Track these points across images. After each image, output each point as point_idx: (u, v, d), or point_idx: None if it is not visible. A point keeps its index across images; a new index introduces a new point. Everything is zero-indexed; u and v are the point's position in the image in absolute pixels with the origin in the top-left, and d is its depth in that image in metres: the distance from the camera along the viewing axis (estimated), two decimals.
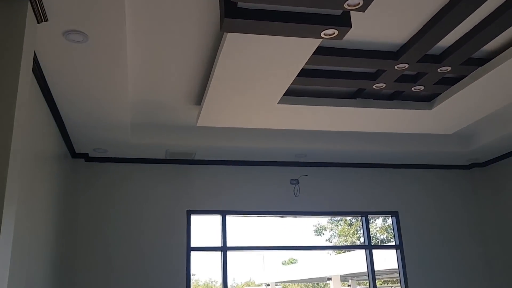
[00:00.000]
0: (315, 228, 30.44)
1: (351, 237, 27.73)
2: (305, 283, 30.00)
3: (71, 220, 5.17)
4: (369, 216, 6.18)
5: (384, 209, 6.18)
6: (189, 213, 5.59)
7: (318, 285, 30.55)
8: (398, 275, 6.00)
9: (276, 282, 23.73)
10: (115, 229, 5.32)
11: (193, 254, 5.48)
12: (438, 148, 5.68)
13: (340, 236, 29.66)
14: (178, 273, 5.31)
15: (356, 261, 12.93)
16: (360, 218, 6.19)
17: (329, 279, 16.00)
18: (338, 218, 30.14)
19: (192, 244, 5.50)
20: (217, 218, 5.76)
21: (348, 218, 30.05)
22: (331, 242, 30.37)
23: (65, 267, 5.01)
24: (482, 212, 6.32)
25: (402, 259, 5.94)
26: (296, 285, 33.73)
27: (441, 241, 6.13)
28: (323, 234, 30.68)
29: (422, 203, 6.27)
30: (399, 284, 5.93)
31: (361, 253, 14.36)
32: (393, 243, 6.14)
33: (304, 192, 5.97)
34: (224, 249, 5.56)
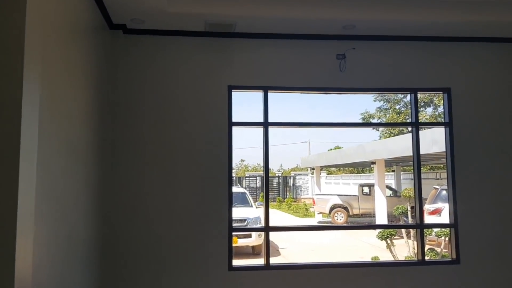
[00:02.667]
0: (363, 116, 30.26)
1: (399, 127, 27.40)
2: (349, 167, 30.77)
3: (109, 94, 5.24)
4: (419, 102, 5.86)
5: (436, 85, 5.82)
6: (230, 88, 5.50)
7: (362, 170, 31.25)
8: (445, 160, 5.83)
9: (321, 167, 24.40)
10: (154, 106, 5.37)
11: (235, 131, 5.51)
12: (502, 16, 5.08)
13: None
14: (221, 148, 5.41)
15: (401, 146, 12.87)
16: (409, 95, 5.87)
17: (373, 163, 16.15)
18: (387, 106, 29.70)
19: (234, 119, 5.50)
20: (259, 95, 5.66)
21: (397, 107, 29.56)
22: (378, 130, 30.32)
23: (106, 141, 5.21)
24: None
25: (450, 138, 5.72)
26: (340, 170, 34.71)
27: (494, 121, 5.80)
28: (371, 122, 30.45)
29: (477, 80, 5.84)
30: (445, 171, 5.78)
31: (408, 137, 14.13)
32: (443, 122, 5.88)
33: (351, 67, 5.67)
34: (266, 124, 5.54)
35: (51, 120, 3.20)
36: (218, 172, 5.37)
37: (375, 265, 5.61)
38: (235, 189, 14.70)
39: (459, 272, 5.55)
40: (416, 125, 5.77)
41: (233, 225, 5.37)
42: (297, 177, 33.22)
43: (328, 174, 33.66)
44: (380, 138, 27.83)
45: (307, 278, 5.41)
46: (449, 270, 5.56)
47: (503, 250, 5.63)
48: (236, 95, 5.60)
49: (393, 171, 22.33)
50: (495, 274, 5.59)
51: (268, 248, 5.45)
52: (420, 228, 5.65)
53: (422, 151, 5.72)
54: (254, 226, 11.77)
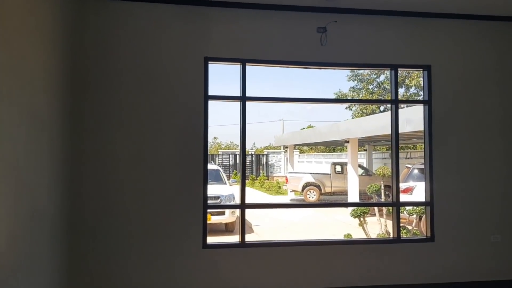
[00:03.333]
0: (336, 95, 30.35)
1: (372, 106, 27.64)
2: (321, 146, 31.00)
3: (78, 61, 4.91)
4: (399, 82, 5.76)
5: (417, 62, 5.73)
6: (207, 60, 5.25)
7: (333, 149, 31.53)
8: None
9: (294, 145, 24.42)
10: (126, 76, 5.07)
11: (211, 104, 5.30)
12: None
13: (360, 105, 29.56)
14: (196, 123, 5.18)
15: (375, 125, 12.90)
16: (389, 71, 5.76)
17: (347, 142, 16.22)
18: (360, 86, 29.85)
19: (210, 93, 5.27)
20: (236, 68, 5.43)
21: (370, 87, 29.74)
22: (351, 110, 30.52)
23: (74, 110, 4.91)
24: None
25: (429, 116, 5.67)
26: (313, 149, 34.95)
27: (473, 100, 5.78)
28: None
29: (458, 58, 5.78)
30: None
31: (381, 117, 14.15)
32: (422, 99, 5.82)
33: (332, 42, 5.50)
34: (243, 98, 5.34)
35: (11, 85, 2.91)
36: (193, 148, 5.17)
37: (350, 243, 5.58)
38: (209, 166, 14.52)
39: (434, 249, 5.58)
40: (396, 103, 5.69)
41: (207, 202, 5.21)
42: (270, 155, 33.28)
43: (301, 153, 33.83)
44: (352, 118, 28.02)
45: (282, 255, 5.33)
46: (424, 247, 5.59)
47: (477, 228, 5.69)
48: (212, 67, 5.37)
49: (365, 150, 22.58)
50: (468, 251, 5.65)
51: (243, 226, 5.32)
52: (397, 206, 5.63)
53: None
54: (228, 203, 11.65)
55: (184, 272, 5.10)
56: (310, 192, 19.61)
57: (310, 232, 12.40)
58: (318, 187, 19.78)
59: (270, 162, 33.05)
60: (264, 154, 34.10)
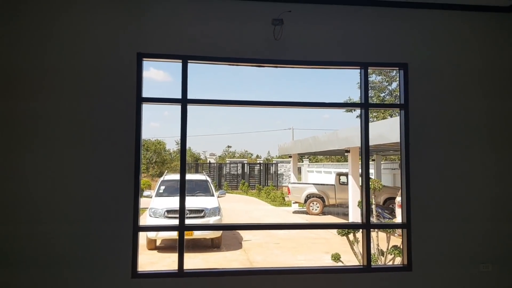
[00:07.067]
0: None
1: (382, 113, 26.50)
2: (323, 155, 29.91)
3: None
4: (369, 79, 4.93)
5: (391, 60, 4.90)
6: (140, 56, 4.53)
7: (342, 159, 30.43)
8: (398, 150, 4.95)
9: (299, 154, 23.48)
10: (51, 74, 4.38)
11: (146, 107, 4.57)
12: None
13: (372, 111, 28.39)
14: (126, 128, 4.44)
15: (376, 133, 11.98)
16: (359, 71, 4.93)
17: (347, 151, 15.29)
18: (371, 94, 28.76)
19: (144, 95, 4.54)
20: (177, 66, 4.69)
21: (381, 95, 28.63)
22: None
23: None
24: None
25: (406, 122, 4.82)
26: (327, 158, 33.90)
27: (458, 103, 4.91)
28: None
29: (439, 54, 4.93)
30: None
31: (381, 124, 13.08)
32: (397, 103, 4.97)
33: (290, 36, 4.72)
34: (184, 101, 4.59)
35: None
36: (122, 158, 4.41)
37: (312, 272, 4.71)
38: (197, 176, 13.79)
39: (411, 280, 4.69)
40: (366, 107, 4.85)
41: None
42: (278, 164, 32.42)
43: (311, 162, 32.89)
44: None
45: (230, 287, 4.51)
46: (399, 277, 4.71)
47: (463, 254, 4.78)
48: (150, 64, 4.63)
49: (373, 160, 21.53)
50: (452, 283, 4.74)
51: (181, 251, 4.51)
52: (367, 228, 4.76)
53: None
54: (212, 217, 10.88)
55: None
56: (313, 204, 18.69)
57: (302, 249, 11.51)
58: (322, 198, 18.84)
59: (279, 172, 32.19)
60: (273, 163, 33.24)
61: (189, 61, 4.63)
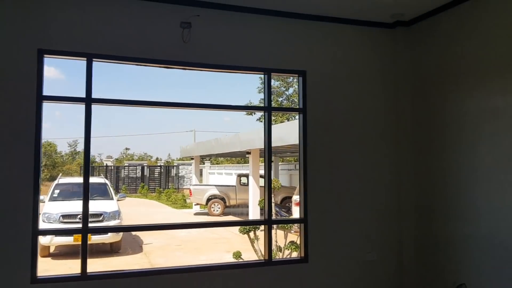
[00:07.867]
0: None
1: (281, 116, 27.69)
2: (225, 157, 30.44)
3: None
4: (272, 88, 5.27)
5: (292, 67, 5.28)
6: (41, 53, 4.33)
7: (243, 160, 31.18)
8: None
9: (200, 156, 23.59)
10: None
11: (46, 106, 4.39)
12: None
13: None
14: (24, 130, 4.22)
15: (276, 135, 12.54)
16: (262, 76, 5.25)
17: (249, 153, 15.79)
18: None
19: (45, 93, 4.35)
20: (81, 64, 4.57)
21: (279, 99, 29.86)
22: (261, 121, 30.42)
23: None
24: (400, 78, 5.62)
25: (304, 125, 5.23)
26: (228, 160, 34.37)
27: (352, 107, 5.46)
28: None
29: (334, 63, 5.44)
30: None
31: (281, 127, 13.72)
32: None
33: (198, 40, 4.86)
34: (88, 100, 4.48)
35: None
36: (21, 159, 4.19)
37: (216, 268, 4.89)
38: (95, 179, 13.23)
39: (307, 271, 5.10)
40: (269, 110, 5.17)
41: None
42: (180, 166, 32.15)
43: (212, 164, 33.09)
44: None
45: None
46: (297, 269, 5.09)
47: (353, 246, 5.32)
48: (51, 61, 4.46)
49: (271, 161, 22.41)
50: (343, 271, 5.25)
51: (85, 253, 4.40)
52: (268, 224, 5.07)
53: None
54: (112, 220, 10.55)
55: None
56: (214, 205, 18.92)
57: (204, 249, 11.66)
58: (223, 199, 19.16)
59: (180, 174, 31.92)
60: (174, 166, 32.86)
61: (94, 59, 4.53)
